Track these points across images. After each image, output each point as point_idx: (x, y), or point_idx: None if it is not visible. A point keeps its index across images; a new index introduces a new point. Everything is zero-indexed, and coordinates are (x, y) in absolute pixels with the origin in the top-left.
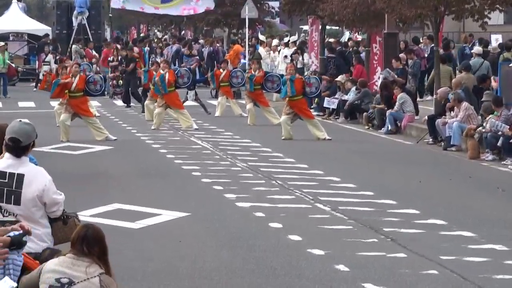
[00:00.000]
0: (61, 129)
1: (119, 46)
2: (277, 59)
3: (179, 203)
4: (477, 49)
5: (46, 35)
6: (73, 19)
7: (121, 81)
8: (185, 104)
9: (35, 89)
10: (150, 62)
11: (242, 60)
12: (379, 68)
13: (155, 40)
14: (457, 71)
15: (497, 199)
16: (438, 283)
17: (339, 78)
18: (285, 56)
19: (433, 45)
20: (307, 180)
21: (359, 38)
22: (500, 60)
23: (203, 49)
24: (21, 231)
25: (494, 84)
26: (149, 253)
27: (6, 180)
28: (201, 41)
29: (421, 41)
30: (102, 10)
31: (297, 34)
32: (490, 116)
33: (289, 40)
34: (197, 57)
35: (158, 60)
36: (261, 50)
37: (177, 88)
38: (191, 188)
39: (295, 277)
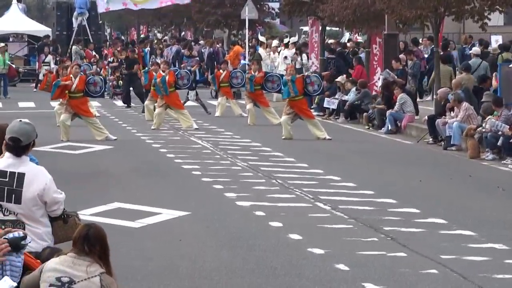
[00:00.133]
0: (61, 129)
1: (111, 49)
2: (277, 60)
3: (179, 202)
4: (476, 49)
5: (47, 36)
6: (73, 20)
7: (121, 82)
8: (185, 104)
9: (35, 89)
10: (150, 63)
11: (242, 61)
12: (379, 69)
13: (155, 41)
14: (457, 72)
15: (497, 198)
16: (438, 283)
17: (339, 78)
18: (285, 57)
19: (433, 46)
20: (307, 179)
21: (359, 39)
22: (498, 61)
23: (203, 50)
24: (21, 234)
25: (494, 83)
26: (149, 252)
27: (7, 179)
28: (201, 42)
29: (420, 42)
30: None
31: (297, 35)
32: (489, 116)
33: (289, 41)
34: (197, 58)
35: (158, 61)
36: (261, 51)
37: (177, 89)
38: (191, 187)
39: (295, 277)
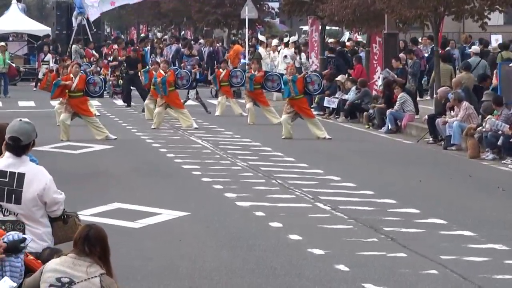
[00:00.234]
0: (61, 128)
1: (116, 46)
2: (277, 59)
3: (179, 202)
4: (475, 48)
5: (47, 35)
6: (73, 19)
7: (120, 81)
8: (186, 103)
9: (35, 88)
10: (150, 62)
11: (242, 60)
12: (379, 68)
13: (155, 41)
14: (457, 71)
15: (497, 198)
16: (438, 283)
17: (339, 77)
18: (285, 56)
19: (433, 45)
20: (307, 179)
21: (359, 38)
22: (498, 60)
23: (203, 49)
24: (20, 236)
25: (494, 81)
26: (149, 253)
27: (7, 179)
28: (201, 41)
29: (419, 41)
30: None
31: (297, 35)
32: (489, 116)
33: (288, 40)
34: (197, 57)
35: (158, 60)
36: (261, 50)
37: (176, 89)
38: (191, 187)
39: (295, 277)
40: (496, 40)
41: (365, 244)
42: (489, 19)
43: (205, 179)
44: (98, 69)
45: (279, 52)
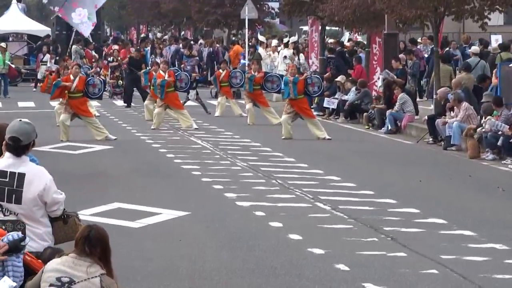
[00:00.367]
0: (61, 129)
1: (116, 47)
2: (276, 60)
3: (179, 202)
4: (474, 48)
5: (47, 35)
6: None
7: (120, 82)
8: (185, 104)
9: (34, 89)
10: (150, 62)
11: (242, 61)
12: (379, 68)
13: (155, 41)
14: (457, 71)
15: (497, 198)
16: (438, 283)
17: (339, 78)
18: (285, 57)
19: (432, 46)
20: (307, 179)
21: (359, 38)
22: (497, 60)
23: (203, 50)
24: (20, 235)
25: (494, 80)
26: (149, 253)
27: (7, 179)
28: (201, 41)
29: (419, 41)
30: (102, 11)
31: (296, 35)
32: (489, 117)
33: (288, 41)
34: (197, 57)
35: (158, 60)
36: (261, 50)
37: (175, 90)
38: (191, 188)
39: (295, 277)
40: (496, 40)
41: (365, 244)
42: (489, 19)
43: (205, 179)
44: (98, 69)
45: (279, 52)
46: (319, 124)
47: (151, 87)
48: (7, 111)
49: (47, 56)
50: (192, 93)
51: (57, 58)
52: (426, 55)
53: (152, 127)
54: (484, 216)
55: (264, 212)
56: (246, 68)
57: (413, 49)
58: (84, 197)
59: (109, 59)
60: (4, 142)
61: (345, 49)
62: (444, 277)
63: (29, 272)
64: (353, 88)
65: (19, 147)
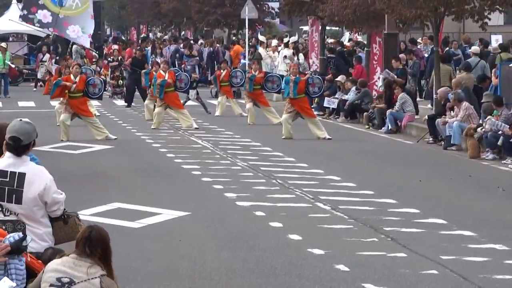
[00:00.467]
0: (61, 128)
1: (116, 47)
2: (276, 60)
3: (179, 202)
4: (475, 48)
5: (48, 36)
6: None
7: (120, 81)
8: (186, 104)
9: (34, 89)
10: (151, 62)
11: (242, 61)
12: (379, 68)
13: (156, 41)
14: (457, 71)
15: (497, 198)
16: (438, 283)
17: (339, 78)
18: (285, 57)
19: (433, 46)
20: (307, 179)
21: (359, 38)
22: (497, 61)
23: (203, 50)
24: (21, 235)
25: (494, 80)
26: (149, 253)
27: (7, 179)
28: (201, 41)
29: (418, 41)
30: (102, 11)
31: (296, 35)
32: (489, 117)
33: (288, 41)
34: (197, 57)
35: (158, 60)
36: (261, 50)
37: (175, 90)
38: (191, 187)
39: (295, 277)
40: (496, 40)
41: (365, 244)
42: (489, 19)
43: (205, 179)
44: (99, 69)
45: (279, 52)
46: (320, 123)
47: (151, 87)
48: (7, 111)
49: (47, 56)
50: (192, 92)
51: (57, 58)
52: (426, 55)
53: (152, 127)
54: (484, 216)
55: (264, 212)
56: (247, 67)
57: (413, 49)
58: (84, 197)
59: (109, 59)
60: (4, 142)
61: (345, 49)
62: (444, 277)
63: (30, 273)
64: (353, 88)
65: (20, 147)
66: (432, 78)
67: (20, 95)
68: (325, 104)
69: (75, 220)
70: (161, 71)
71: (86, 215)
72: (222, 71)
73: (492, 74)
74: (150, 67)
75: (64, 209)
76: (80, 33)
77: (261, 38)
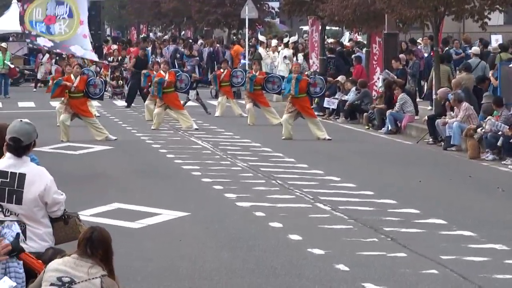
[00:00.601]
0: (61, 129)
1: (115, 46)
2: (276, 60)
3: (179, 202)
4: (475, 49)
5: None
6: None
7: (120, 82)
8: (186, 104)
9: (35, 89)
10: (151, 62)
11: (242, 61)
12: (379, 68)
13: (156, 41)
14: (457, 71)
15: (497, 199)
16: (438, 283)
17: (339, 78)
18: (285, 57)
19: (432, 44)
20: (307, 179)
21: (359, 38)
22: (496, 60)
23: (203, 50)
24: (14, 233)
25: (494, 81)
26: (149, 253)
27: (8, 180)
28: (200, 41)
29: (418, 41)
30: (102, 10)
31: (296, 35)
32: (489, 117)
33: (288, 41)
34: (197, 57)
35: (159, 60)
36: (261, 50)
37: (175, 91)
38: (191, 188)
39: (295, 277)
40: (496, 40)
41: (365, 244)
42: (489, 19)
43: (205, 179)
44: (98, 69)
45: (279, 52)
46: (320, 124)
47: (151, 87)
48: (7, 111)
49: (46, 56)
50: (192, 93)
51: (57, 58)
52: (426, 55)
53: (152, 128)
54: (484, 216)
55: (264, 212)
56: (247, 67)
57: (413, 49)
58: (84, 197)
59: (109, 59)
60: (5, 143)
61: (344, 49)
62: (444, 277)
63: (30, 273)
64: (353, 88)
65: (20, 148)
66: (429, 79)
67: (20, 95)
68: (325, 105)
69: (75, 220)
70: (162, 72)
71: (86, 216)
72: (222, 70)
73: (491, 75)
74: (151, 67)
75: (65, 210)
76: (83, 50)
77: (261, 38)
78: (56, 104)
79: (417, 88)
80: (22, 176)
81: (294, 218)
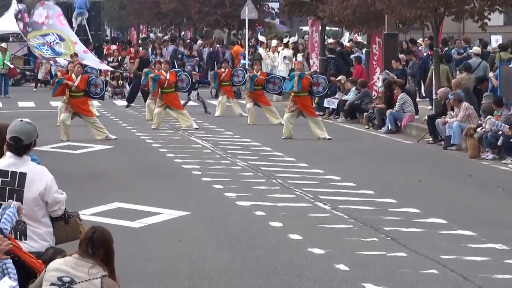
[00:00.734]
0: (61, 128)
1: (115, 47)
2: (276, 60)
3: (179, 202)
4: (476, 49)
5: None
6: (73, 20)
7: (121, 81)
8: (187, 104)
9: (35, 89)
10: (152, 62)
11: (242, 61)
12: (378, 69)
13: (156, 41)
14: (456, 71)
15: (497, 198)
16: (438, 283)
17: (340, 78)
18: (284, 57)
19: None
20: (307, 179)
21: (359, 39)
22: (496, 60)
23: (202, 50)
24: (8, 223)
25: (494, 81)
26: (149, 253)
27: (8, 179)
28: (200, 41)
29: (418, 42)
30: (102, 11)
31: (296, 35)
32: (489, 116)
33: (288, 41)
34: (197, 58)
35: (160, 60)
36: (261, 50)
37: (176, 91)
38: (191, 187)
39: (295, 277)
40: (496, 40)
41: (365, 244)
42: (489, 19)
43: (205, 179)
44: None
45: (279, 53)
46: (321, 123)
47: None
48: (7, 111)
49: None
50: (194, 93)
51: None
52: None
53: (152, 127)
54: (484, 215)
55: (264, 211)
56: (247, 67)
57: (413, 50)
58: (84, 196)
59: (109, 59)
60: (5, 142)
61: (344, 49)
62: (444, 277)
63: (30, 273)
64: (353, 88)
65: (21, 147)
66: (428, 79)
67: (20, 95)
68: (325, 104)
69: (76, 220)
70: (163, 71)
71: (86, 215)
72: (223, 70)
73: (491, 76)
74: (153, 66)
75: (65, 209)
76: (95, 64)
77: (261, 38)
78: (57, 103)
79: (417, 88)
80: (23, 176)
81: (294, 217)
